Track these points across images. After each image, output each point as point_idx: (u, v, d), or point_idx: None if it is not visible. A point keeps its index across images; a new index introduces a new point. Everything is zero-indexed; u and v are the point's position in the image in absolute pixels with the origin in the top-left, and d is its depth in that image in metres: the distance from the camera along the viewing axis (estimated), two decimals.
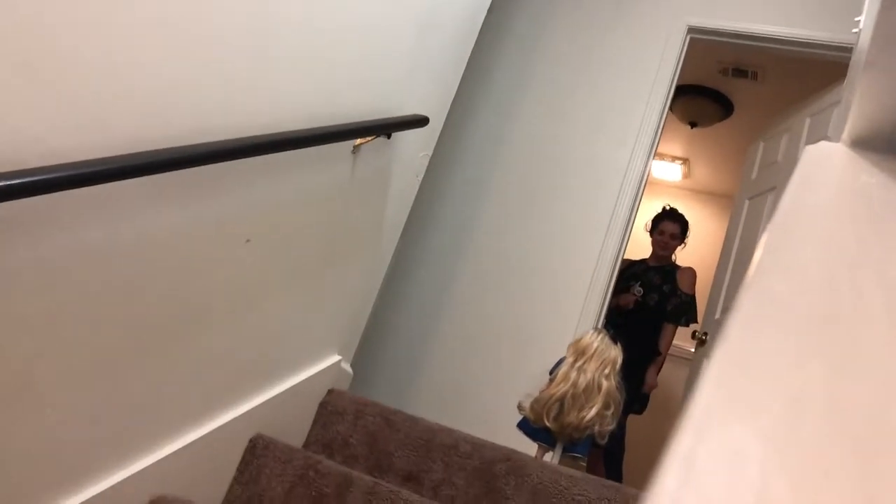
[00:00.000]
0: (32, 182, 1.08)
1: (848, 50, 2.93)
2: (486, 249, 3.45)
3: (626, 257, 3.48)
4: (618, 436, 3.69)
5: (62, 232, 1.23)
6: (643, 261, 4.12)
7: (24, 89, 1.11)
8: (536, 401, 2.22)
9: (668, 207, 4.19)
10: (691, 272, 3.96)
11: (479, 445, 2.01)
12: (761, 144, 3.93)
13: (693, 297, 3.88)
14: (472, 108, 3.66)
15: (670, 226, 4.05)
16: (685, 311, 3.84)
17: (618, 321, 3.59)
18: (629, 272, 3.98)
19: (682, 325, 3.85)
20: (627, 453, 3.84)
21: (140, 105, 1.32)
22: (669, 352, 3.91)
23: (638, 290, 3.91)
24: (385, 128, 2.13)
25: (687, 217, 4.20)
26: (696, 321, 3.85)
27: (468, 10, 2.56)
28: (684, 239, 4.07)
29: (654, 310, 3.86)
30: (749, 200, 3.81)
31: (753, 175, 3.90)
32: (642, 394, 3.73)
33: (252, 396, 1.92)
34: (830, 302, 0.35)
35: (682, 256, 4.13)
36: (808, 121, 3.49)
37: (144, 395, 1.53)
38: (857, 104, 0.51)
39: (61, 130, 1.18)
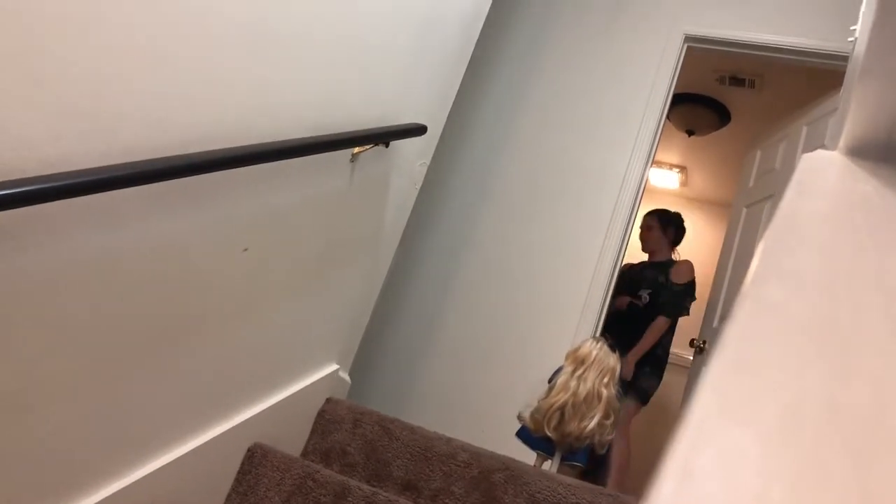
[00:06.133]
0: (32, 191, 1.08)
1: (844, 58, 2.95)
2: (484, 258, 3.45)
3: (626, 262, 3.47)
4: None
5: (60, 240, 1.23)
6: (641, 263, 4.12)
7: (25, 97, 1.11)
8: (536, 410, 2.21)
9: None
10: (686, 263, 3.94)
11: (477, 454, 2.00)
12: (758, 153, 3.94)
13: (686, 287, 3.81)
14: (471, 116, 3.67)
15: (645, 220, 4.12)
16: (676, 302, 3.77)
17: (611, 325, 3.54)
18: (627, 276, 3.94)
19: (670, 317, 3.76)
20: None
21: (138, 113, 1.32)
22: (669, 360, 3.87)
23: (646, 297, 3.87)
24: (383, 136, 2.14)
25: (685, 225, 4.20)
26: (686, 312, 3.79)
27: (466, 18, 2.57)
28: (665, 231, 4.07)
29: (647, 308, 3.81)
30: (746, 208, 3.82)
31: (750, 183, 3.90)
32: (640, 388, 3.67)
33: (250, 405, 1.91)
34: (828, 309, 0.36)
35: None
36: (804, 129, 3.50)
37: (142, 404, 1.53)
38: (852, 112, 0.51)
39: (61, 139, 1.18)
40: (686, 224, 4.24)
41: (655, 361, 3.74)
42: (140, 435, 1.56)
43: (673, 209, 4.36)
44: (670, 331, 3.80)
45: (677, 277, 3.85)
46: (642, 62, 3.52)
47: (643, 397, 3.69)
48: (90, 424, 1.41)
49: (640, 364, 3.63)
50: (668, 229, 4.09)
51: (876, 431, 0.27)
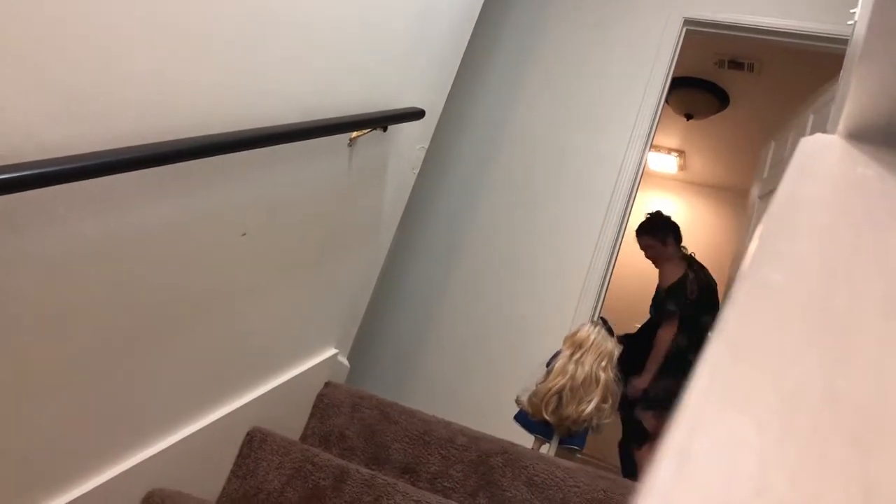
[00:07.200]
0: (29, 175, 1.08)
1: (844, 41, 2.93)
2: (483, 242, 3.45)
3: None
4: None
5: (58, 226, 1.22)
6: None
7: (21, 82, 1.10)
8: (534, 394, 2.22)
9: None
10: (672, 263, 3.80)
11: (475, 437, 2.01)
12: (773, 143, 3.92)
13: (668, 290, 3.70)
14: (469, 100, 3.66)
15: (640, 241, 3.94)
16: (657, 306, 3.74)
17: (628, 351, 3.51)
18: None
19: (664, 319, 3.65)
20: None
21: (136, 98, 1.32)
22: None
23: (652, 312, 3.84)
24: (381, 120, 2.13)
25: (682, 209, 4.15)
26: (670, 315, 3.62)
27: (464, 3, 2.55)
28: (665, 241, 3.85)
29: (652, 325, 3.76)
30: (759, 199, 3.80)
31: (765, 174, 3.89)
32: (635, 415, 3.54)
33: (249, 390, 1.92)
34: (827, 293, 0.35)
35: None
36: (811, 117, 3.48)
37: (141, 389, 1.53)
38: (852, 96, 0.51)
39: (58, 123, 1.17)
40: (684, 208, 4.19)
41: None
42: (139, 419, 1.56)
43: (670, 194, 4.29)
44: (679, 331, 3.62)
45: (663, 283, 3.78)
46: (641, 46, 3.50)
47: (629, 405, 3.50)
48: (89, 409, 1.41)
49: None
50: (666, 238, 3.86)
51: (875, 416, 0.27)
